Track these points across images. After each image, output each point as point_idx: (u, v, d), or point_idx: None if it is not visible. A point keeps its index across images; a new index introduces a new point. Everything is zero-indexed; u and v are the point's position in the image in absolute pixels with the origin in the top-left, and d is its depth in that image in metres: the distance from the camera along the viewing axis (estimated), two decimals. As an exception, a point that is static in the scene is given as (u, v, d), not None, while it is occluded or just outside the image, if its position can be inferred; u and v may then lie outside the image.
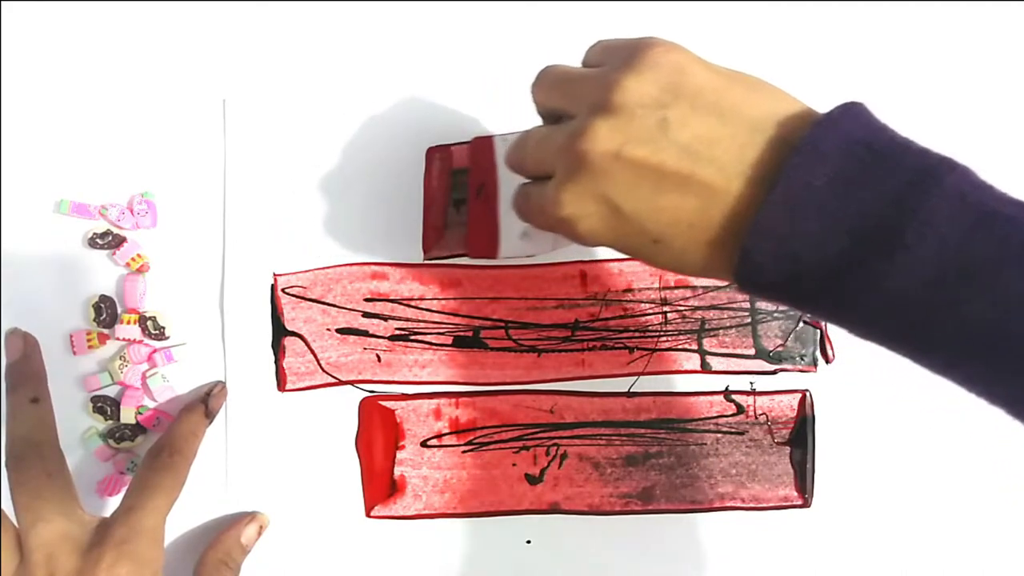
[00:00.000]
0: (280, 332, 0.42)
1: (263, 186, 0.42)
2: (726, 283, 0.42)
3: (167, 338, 0.41)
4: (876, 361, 0.42)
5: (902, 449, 0.42)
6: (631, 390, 0.42)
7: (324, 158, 0.42)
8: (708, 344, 0.42)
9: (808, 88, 0.29)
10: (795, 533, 0.42)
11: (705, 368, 0.42)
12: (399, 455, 0.42)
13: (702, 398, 0.42)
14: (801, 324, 0.42)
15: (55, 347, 0.40)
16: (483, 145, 0.39)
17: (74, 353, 0.41)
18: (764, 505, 0.42)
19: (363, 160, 0.42)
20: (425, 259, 0.42)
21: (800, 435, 0.42)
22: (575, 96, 0.30)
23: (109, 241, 0.41)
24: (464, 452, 0.42)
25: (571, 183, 0.28)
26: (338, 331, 0.42)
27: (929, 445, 0.42)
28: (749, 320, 0.42)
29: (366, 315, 0.42)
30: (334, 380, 0.42)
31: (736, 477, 0.42)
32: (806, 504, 0.42)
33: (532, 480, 0.42)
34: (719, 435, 0.42)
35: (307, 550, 0.42)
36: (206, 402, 0.40)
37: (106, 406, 0.41)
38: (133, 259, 0.41)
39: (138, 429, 0.41)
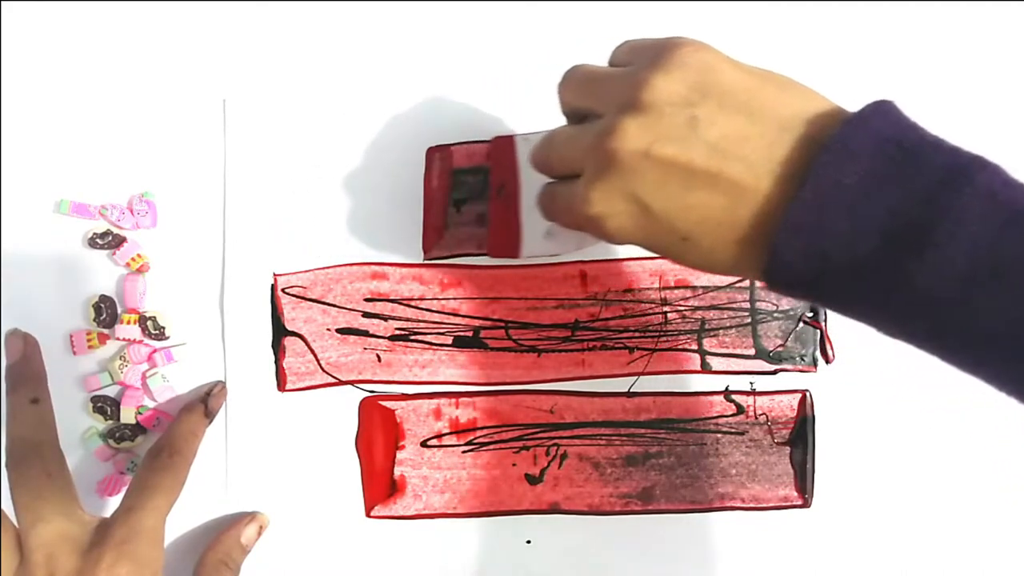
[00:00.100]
0: (280, 332, 0.42)
1: (263, 186, 0.42)
2: (727, 284, 0.42)
3: (167, 338, 0.41)
4: (876, 361, 0.42)
5: (902, 449, 0.42)
6: (631, 390, 0.42)
7: (324, 158, 0.42)
8: (708, 344, 0.42)
9: (833, 87, 0.29)
10: (795, 533, 0.42)
11: (705, 368, 0.42)
12: (399, 455, 0.42)
13: (702, 398, 0.42)
14: (801, 324, 0.42)
15: (55, 347, 0.40)
16: (504, 145, 0.39)
17: (74, 353, 0.41)
18: (764, 505, 0.42)
19: (363, 160, 0.42)
20: (425, 259, 0.42)
21: (800, 435, 0.42)
22: (603, 95, 0.30)
23: (109, 241, 0.41)
24: (464, 452, 0.42)
25: (600, 181, 0.28)
26: (338, 331, 0.42)
27: (929, 445, 0.42)
28: (749, 320, 0.42)
29: (366, 315, 0.42)
30: (334, 380, 0.42)
31: (736, 477, 0.42)
32: (806, 504, 0.42)
33: (532, 480, 0.42)
34: (719, 435, 0.42)
35: (307, 550, 0.42)
36: (206, 402, 0.40)
37: (106, 406, 0.41)
38: (133, 259, 0.41)
39: (138, 429, 0.41)
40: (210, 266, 0.41)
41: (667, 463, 0.42)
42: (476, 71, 0.42)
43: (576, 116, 0.33)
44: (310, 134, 0.42)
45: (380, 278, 0.42)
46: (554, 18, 0.43)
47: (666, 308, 0.42)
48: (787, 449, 0.42)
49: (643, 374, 0.42)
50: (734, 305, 0.42)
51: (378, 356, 0.42)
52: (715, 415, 0.42)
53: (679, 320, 0.42)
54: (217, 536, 0.40)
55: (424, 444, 0.42)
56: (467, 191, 0.42)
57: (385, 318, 0.42)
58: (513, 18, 0.43)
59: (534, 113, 0.42)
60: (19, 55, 0.42)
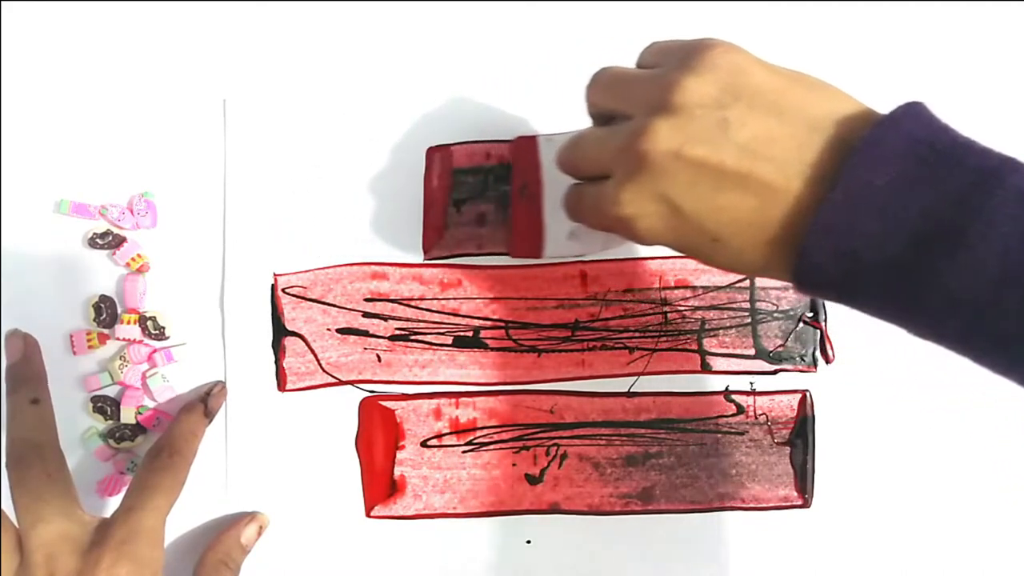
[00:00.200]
0: (280, 332, 0.42)
1: (263, 186, 0.42)
2: (727, 284, 0.42)
3: (167, 338, 0.41)
4: (876, 361, 0.42)
5: (902, 449, 0.42)
6: (631, 390, 0.42)
7: (324, 158, 0.42)
8: (708, 344, 0.42)
9: (854, 88, 0.29)
10: (795, 533, 0.42)
11: (705, 368, 0.42)
12: (399, 455, 0.42)
13: (702, 398, 0.42)
14: (801, 324, 0.42)
15: (55, 347, 0.40)
16: (526, 145, 0.39)
17: (74, 353, 0.41)
18: (764, 505, 0.42)
19: (363, 160, 0.42)
20: (425, 259, 0.42)
21: (800, 435, 0.42)
22: (633, 97, 0.30)
23: (109, 241, 0.41)
24: (464, 452, 0.42)
25: (631, 182, 0.28)
26: (338, 331, 0.42)
27: (929, 445, 0.42)
28: (749, 320, 0.42)
29: (366, 315, 0.42)
30: (334, 380, 0.42)
31: (736, 477, 0.42)
32: (806, 504, 0.42)
33: (532, 480, 0.42)
34: (719, 435, 0.42)
35: (307, 550, 0.42)
36: (206, 402, 0.40)
37: (106, 406, 0.41)
38: (133, 259, 0.41)
39: (138, 429, 0.41)
40: (210, 266, 0.41)
41: (667, 463, 0.42)
42: (476, 71, 0.42)
43: (603, 118, 0.33)
44: (310, 134, 0.42)
45: (380, 278, 0.42)
46: (554, 18, 0.43)
47: (666, 308, 0.42)
48: (787, 449, 0.42)
49: (643, 374, 0.42)
50: (734, 305, 0.42)
51: (378, 356, 0.42)
52: (715, 415, 0.42)
53: (679, 320, 0.42)
54: (217, 536, 0.40)
55: (424, 444, 0.42)
56: (467, 191, 0.42)
57: (385, 318, 0.42)
58: (513, 18, 0.43)
59: (534, 113, 0.42)
60: (19, 55, 0.42)
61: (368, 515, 0.42)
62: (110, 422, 0.41)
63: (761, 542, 0.42)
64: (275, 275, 0.42)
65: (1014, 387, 0.42)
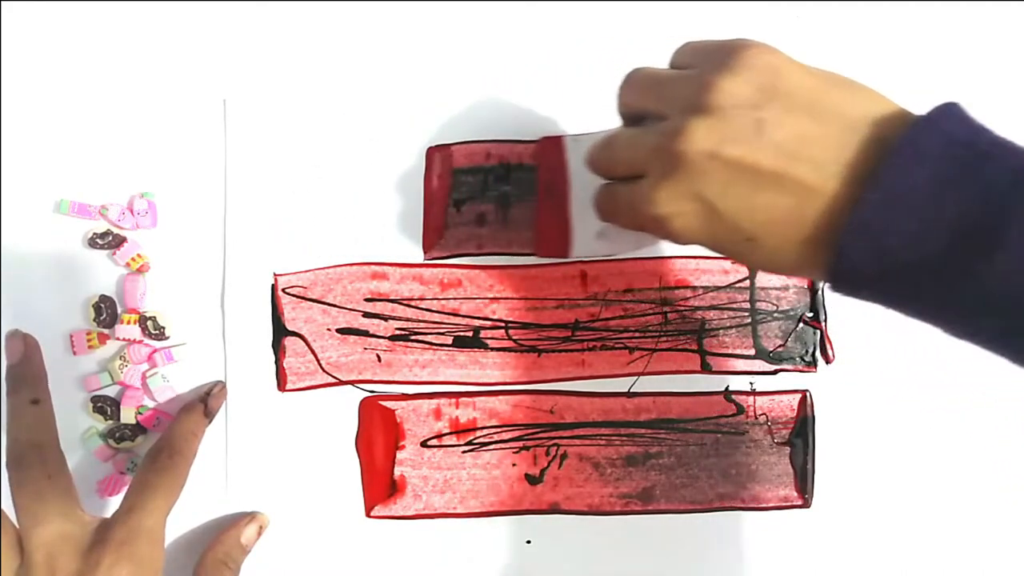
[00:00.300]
0: (280, 332, 0.42)
1: (263, 186, 0.42)
2: (727, 284, 0.42)
3: (167, 338, 0.41)
4: (876, 361, 0.42)
5: (902, 449, 0.42)
6: (631, 390, 0.42)
7: (324, 158, 0.42)
8: (708, 344, 0.42)
9: (886, 89, 0.29)
10: (795, 533, 0.42)
11: (705, 368, 0.42)
12: (399, 455, 0.42)
13: (702, 398, 0.42)
14: (801, 324, 0.42)
15: (55, 347, 0.40)
16: (552, 145, 0.39)
17: (74, 353, 0.41)
18: (764, 505, 0.42)
19: (363, 160, 0.42)
20: (425, 259, 0.42)
21: (800, 435, 0.42)
22: (668, 97, 0.30)
23: (109, 241, 0.41)
24: (464, 452, 0.42)
25: (667, 182, 0.29)
26: (338, 331, 0.42)
27: (929, 445, 0.42)
28: (749, 320, 0.42)
29: (366, 315, 0.42)
30: (334, 380, 0.42)
31: (736, 477, 0.42)
32: (806, 504, 0.42)
33: (532, 480, 0.42)
34: (719, 435, 0.42)
35: (307, 550, 0.42)
36: (206, 402, 0.40)
37: (106, 406, 0.41)
38: (133, 259, 0.41)
39: (138, 429, 0.41)
40: (210, 266, 0.41)
41: (667, 463, 0.42)
42: (476, 71, 0.42)
43: (633, 118, 0.33)
44: (310, 134, 0.42)
45: (380, 278, 0.42)
46: (554, 18, 0.43)
47: (666, 308, 0.42)
48: (787, 449, 0.42)
49: (643, 374, 0.42)
50: (734, 305, 0.42)
51: (378, 356, 0.42)
52: (715, 415, 0.42)
53: (679, 320, 0.42)
54: (217, 536, 0.40)
55: (424, 444, 0.42)
56: (467, 191, 0.42)
57: (385, 318, 0.42)
58: (513, 18, 0.43)
59: (534, 113, 0.42)
60: (19, 55, 0.42)
61: (368, 515, 0.42)
62: (110, 422, 0.41)
63: (761, 542, 0.42)
64: (275, 275, 0.42)
65: (1014, 387, 0.42)
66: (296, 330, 0.42)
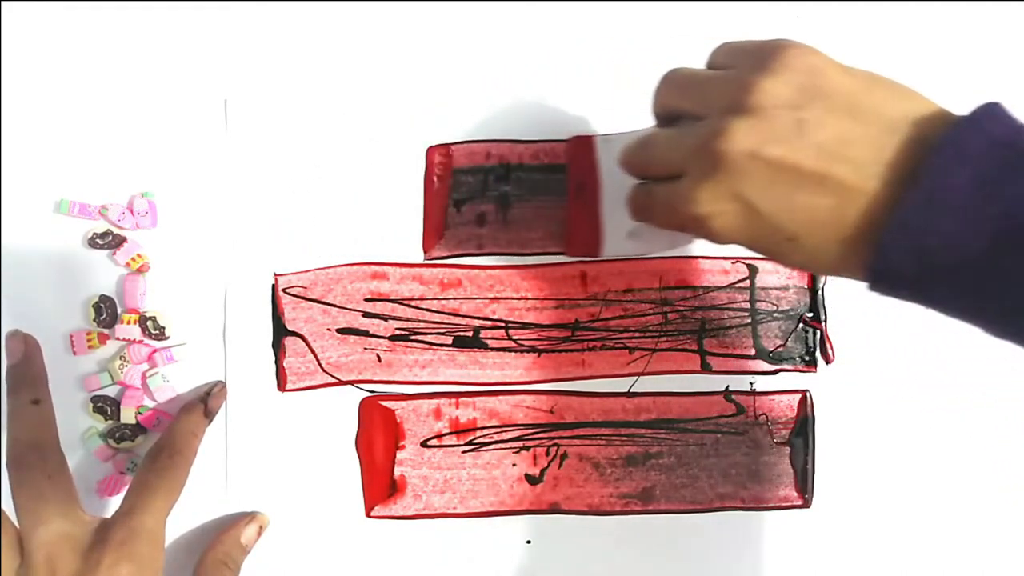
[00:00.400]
0: (280, 332, 0.42)
1: (263, 186, 0.42)
2: (727, 284, 0.42)
3: (167, 338, 0.41)
4: (876, 362, 0.42)
5: (902, 449, 0.42)
6: (631, 390, 0.42)
7: (324, 158, 0.42)
8: (708, 344, 0.42)
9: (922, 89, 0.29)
10: (795, 533, 0.42)
11: (705, 368, 0.42)
12: (399, 455, 0.42)
13: (702, 398, 0.42)
14: (801, 325, 0.42)
15: (55, 347, 0.40)
16: (582, 145, 0.39)
17: (74, 353, 0.41)
18: (764, 505, 0.42)
19: (363, 160, 0.42)
20: (425, 259, 0.42)
21: (800, 435, 0.42)
22: (707, 98, 0.30)
23: (109, 241, 0.41)
24: (464, 452, 0.42)
25: (707, 181, 0.29)
26: (338, 331, 0.42)
27: (929, 445, 0.42)
28: (749, 320, 0.42)
29: (366, 315, 0.42)
30: (334, 380, 0.42)
31: (736, 477, 0.42)
32: (806, 504, 0.42)
33: (532, 480, 0.42)
34: (719, 435, 0.42)
35: (307, 550, 0.42)
36: (206, 402, 0.40)
37: (106, 406, 0.41)
38: (133, 259, 0.41)
39: (138, 429, 0.41)
40: (211, 266, 0.41)
41: (667, 463, 0.42)
42: (476, 71, 0.42)
43: (668, 119, 0.33)
44: (310, 134, 0.42)
45: (380, 278, 0.42)
46: (554, 18, 0.43)
47: (666, 308, 0.42)
48: (787, 449, 0.42)
49: (643, 374, 0.42)
50: (734, 305, 0.42)
51: (378, 356, 0.42)
52: (715, 415, 0.42)
53: (679, 320, 0.42)
54: (217, 536, 0.40)
55: (424, 444, 0.42)
56: (467, 191, 0.42)
57: (385, 318, 0.42)
58: (513, 18, 0.43)
59: (534, 113, 0.42)
60: (19, 55, 0.42)
61: (368, 515, 0.42)
62: (110, 422, 0.41)
63: (761, 542, 0.42)
64: (275, 275, 0.42)
65: (1014, 387, 0.42)
66: (296, 330, 0.42)
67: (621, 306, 0.42)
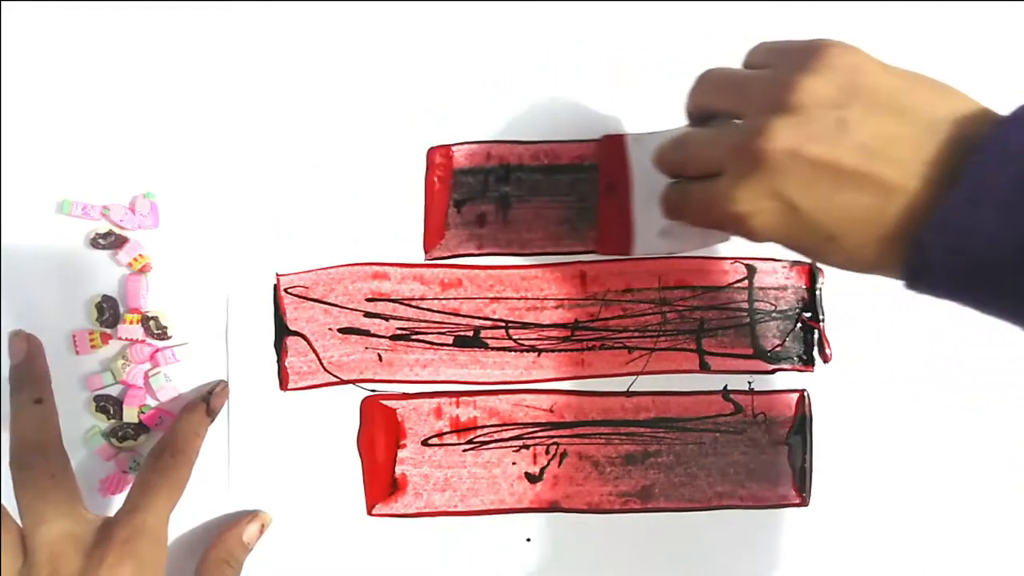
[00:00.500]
0: (282, 332, 0.42)
1: (264, 186, 0.42)
2: (727, 284, 0.42)
3: (169, 338, 0.41)
4: (873, 361, 0.42)
5: (900, 448, 0.42)
6: (630, 389, 0.42)
7: (324, 158, 0.42)
8: (707, 344, 0.42)
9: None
10: (793, 532, 0.42)
11: (704, 368, 0.42)
12: (400, 454, 0.42)
13: (701, 397, 0.42)
14: (799, 324, 0.43)
15: (58, 347, 0.41)
16: (614, 143, 0.39)
17: (76, 353, 0.41)
18: (762, 504, 0.42)
19: (364, 160, 0.42)
20: (426, 259, 0.42)
21: (798, 434, 0.42)
22: (746, 97, 0.30)
23: (111, 241, 0.41)
24: (465, 451, 0.42)
25: (747, 180, 0.29)
26: (340, 331, 0.42)
27: (927, 444, 0.42)
28: (748, 320, 0.42)
29: (367, 315, 0.42)
30: (336, 379, 0.42)
31: (734, 476, 0.42)
32: (804, 503, 0.42)
33: (532, 479, 0.42)
34: (717, 434, 0.42)
35: (309, 548, 0.42)
36: (208, 401, 0.40)
37: (109, 405, 0.41)
38: (135, 259, 0.41)
39: (140, 428, 0.41)
40: (212, 266, 0.42)
41: (666, 462, 0.42)
42: (476, 71, 0.43)
43: (702, 118, 0.33)
44: (310, 134, 0.42)
45: (381, 278, 0.42)
46: (554, 18, 0.43)
47: (665, 308, 0.42)
48: (785, 448, 0.42)
49: (642, 374, 0.42)
50: (733, 305, 0.42)
51: (379, 355, 0.42)
52: (714, 414, 0.42)
53: (678, 320, 0.42)
54: (219, 534, 0.40)
55: (425, 443, 0.42)
56: (467, 191, 0.42)
57: (386, 318, 0.42)
58: (513, 18, 0.43)
59: (534, 113, 0.42)
60: (19, 55, 0.42)
61: (369, 513, 0.42)
62: (112, 421, 0.41)
63: (759, 541, 0.42)
64: (277, 275, 0.42)
65: (1012, 386, 0.43)
66: (298, 330, 0.42)
67: (620, 306, 0.42)
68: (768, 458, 0.42)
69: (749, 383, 0.42)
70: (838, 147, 0.27)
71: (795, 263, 0.42)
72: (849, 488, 0.42)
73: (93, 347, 0.41)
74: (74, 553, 0.34)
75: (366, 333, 0.42)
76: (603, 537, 0.42)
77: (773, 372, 0.42)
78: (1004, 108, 0.27)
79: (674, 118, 0.39)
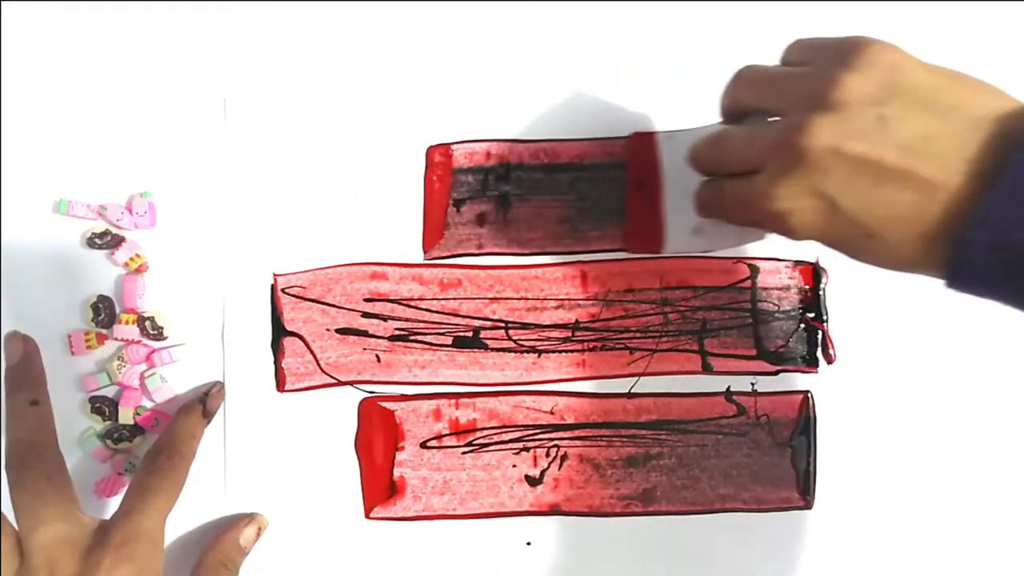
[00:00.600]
0: (279, 332, 0.41)
1: (263, 186, 0.42)
2: (729, 284, 0.42)
3: (166, 338, 0.41)
4: (877, 362, 0.42)
5: (903, 450, 0.42)
6: (632, 391, 0.42)
7: (324, 158, 0.42)
8: (709, 345, 0.42)
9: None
10: (797, 535, 0.42)
11: (706, 369, 0.42)
12: (398, 456, 0.42)
13: (703, 399, 0.42)
14: (802, 325, 0.42)
15: (53, 347, 0.40)
16: (644, 141, 0.39)
17: (72, 353, 0.41)
18: (765, 506, 0.42)
19: (363, 160, 0.42)
20: (425, 259, 0.42)
21: (802, 436, 0.42)
22: (785, 94, 0.30)
23: (108, 241, 0.41)
24: (464, 453, 0.42)
25: (786, 177, 0.29)
26: (337, 331, 0.42)
27: (930, 446, 0.42)
28: (751, 321, 0.42)
29: (366, 315, 0.42)
30: (333, 380, 0.42)
31: (737, 478, 0.42)
32: (807, 505, 0.42)
33: (532, 481, 0.42)
34: (720, 436, 0.42)
35: (306, 552, 0.41)
36: (204, 403, 0.40)
37: (104, 406, 0.41)
38: (132, 259, 0.40)
39: (136, 430, 0.41)
40: (209, 266, 0.41)
41: (668, 464, 0.42)
42: (476, 71, 0.42)
43: (737, 115, 0.33)
44: (310, 134, 0.42)
45: (380, 278, 0.42)
46: (554, 18, 0.43)
47: (667, 308, 0.42)
48: (788, 450, 0.42)
49: (644, 375, 0.42)
50: (735, 306, 0.42)
51: (377, 356, 0.42)
52: (716, 416, 0.42)
53: (680, 321, 0.42)
54: (216, 537, 0.40)
55: (424, 445, 0.42)
56: (467, 191, 0.42)
57: (385, 318, 0.42)
58: (513, 18, 0.43)
59: (534, 113, 0.42)
60: (19, 55, 0.42)
61: (367, 516, 0.42)
62: (108, 423, 0.41)
63: (762, 544, 0.42)
64: (275, 275, 0.42)
65: (1014, 388, 0.42)
66: (295, 330, 0.42)
67: (622, 306, 0.42)
68: (771, 460, 0.42)
69: (752, 384, 0.42)
70: (879, 145, 0.28)
71: (798, 263, 0.42)
72: (853, 490, 0.42)
73: (89, 348, 0.40)
74: (70, 556, 0.33)
75: (364, 334, 0.42)
76: (604, 541, 0.42)
77: (776, 373, 0.42)
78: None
79: (674, 118, 0.39)
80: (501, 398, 0.42)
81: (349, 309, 0.42)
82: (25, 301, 0.41)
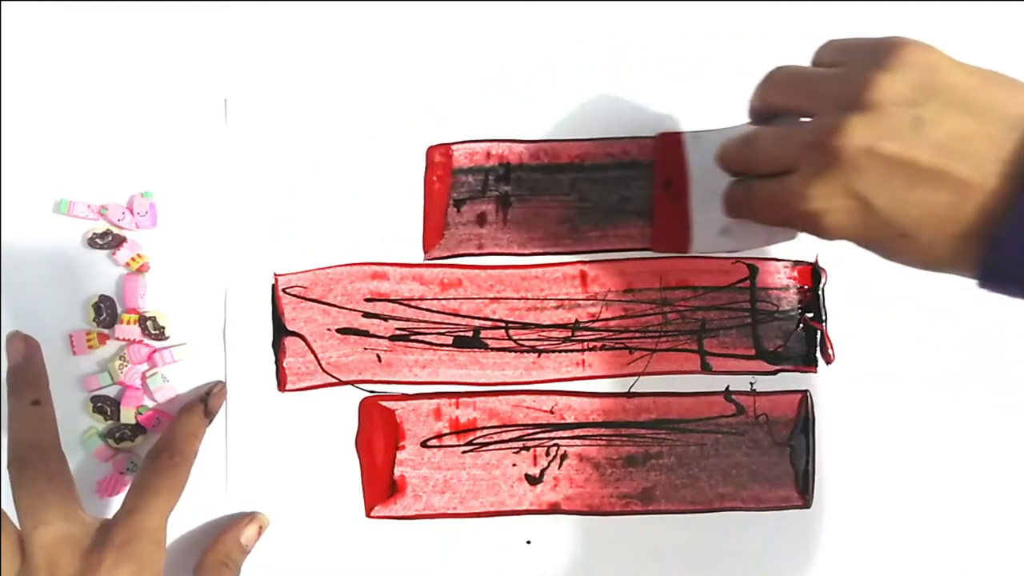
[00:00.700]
0: (280, 332, 0.42)
1: (264, 186, 0.42)
2: (728, 284, 0.42)
3: (167, 338, 0.41)
4: (876, 362, 0.42)
5: (902, 449, 0.42)
6: (631, 390, 0.42)
7: (324, 158, 0.42)
8: (708, 345, 0.42)
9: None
10: (795, 534, 0.42)
11: (705, 369, 0.42)
12: (399, 455, 0.42)
13: (702, 399, 0.42)
14: (801, 325, 0.42)
15: (55, 347, 0.40)
16: (671, 141, 0.39)
17: (74, 353, 0.41)
18: (764, 506, 0.42)
19: (363, 160, 0.42)
20: (425, 259, 0.42)
21: (800, 436, 0.42)
22: (818, 94, 0.30)
23: (109, 241, 0.41)
24: (464, 452, 0.42)
25: (820, 177, 0.29)
26: (338, 331, 0.42)
27: (929, 445, 0.42)
28: (750, 321, 0.42)
29: (366, 315, 0.42)
30: (334, 380, 0.42)
31: (736, 478, 0.42)
32: (806, 505, 0.42)
33: (532, 480, 0.42)
34: (719, 436, 0.42)
35: (307, 551, 0.42)
36: (205, 402, 0.40)
37: (106, 406, 0.41)
38: (133, 259, 0.41)
39: (138, 429, 0.41)
40: (210, 266, 0.41)
41: (667, 463, 0.42)
42: (476, 71, 0.42)
43: (766, 116, 0.33)
44: (310, 134, 0.42)
45: (380, 278, 0.42)
46: (554, 18, 0.43)
47: (666, 308, 0.42)
48: (787, 449, 0.42)
49: (643, 374, 0.42)
50: (734, 305, 0.42)
51: (378, 356, 0.42)
52: (715, 415, 0.42)
53: (679, 320, 0.42)
54: (217, 536, 0.40)
55: (424, 444, 0.42)
56: (467, 191, 0.42)
57: (385, 318, 0.42)
58: (513, 18, 0.43)
59: (534, 113, 0.42)
60: (19, 55, 0.42)
61: (368, 515, 0.42)
62: (110, 422, 0.41)
63: (761, 542, 0.42)
64: (275, 275, 0.42)
65: (1014, 388, 0.42)
66: (296, 330, 0.42)
67: (621, 306, 0.42)
68: (770, 460, 0.42)
69: (751, 384, 0.42)
70: (914, 145, 0.28)
71: (797, 263, 0.42)
72: (852, 490, 0.42)
73: (90, 347, 0.40)
74: (72, 556, 0.33)
75: (365, 334, 0.42)
76: (604, 539, 0.42)
77: (775, 373, 0.42)
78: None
79: (674, 118, 0.39)
80: (501, 397, 0.42)
81: (350, 309, 0.42)
82: (27, 301, 0.41)
